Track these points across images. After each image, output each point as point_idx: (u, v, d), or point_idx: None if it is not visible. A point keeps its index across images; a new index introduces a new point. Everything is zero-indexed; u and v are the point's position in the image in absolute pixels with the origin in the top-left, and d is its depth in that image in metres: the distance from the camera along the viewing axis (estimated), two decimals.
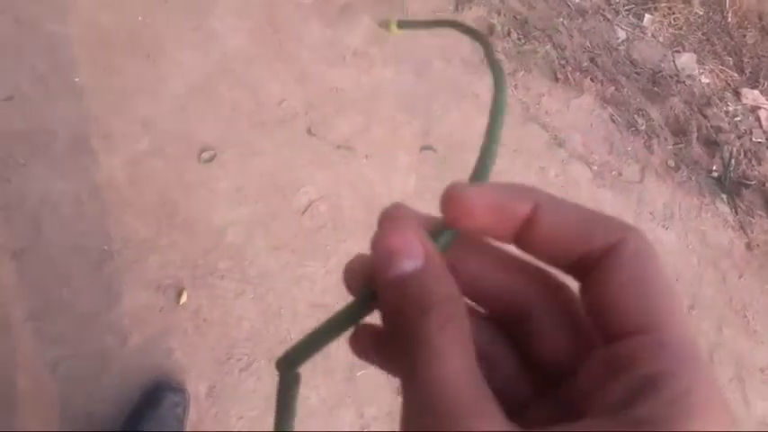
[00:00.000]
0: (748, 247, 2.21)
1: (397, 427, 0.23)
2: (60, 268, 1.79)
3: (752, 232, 2.22)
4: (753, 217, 2.25)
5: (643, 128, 2.39)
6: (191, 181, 1.97)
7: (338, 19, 2.31)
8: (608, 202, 2.18)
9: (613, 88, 2.49)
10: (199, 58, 2.12)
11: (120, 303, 1.77)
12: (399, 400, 0.23)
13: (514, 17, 2.58)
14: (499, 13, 2.54)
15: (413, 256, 0.25)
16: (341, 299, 1.87)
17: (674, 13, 2.97)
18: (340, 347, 0.36)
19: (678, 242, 2.16)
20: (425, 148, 2.20)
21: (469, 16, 2.47)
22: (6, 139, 1.89)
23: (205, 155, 2.01)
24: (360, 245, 2.01)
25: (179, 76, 2.07)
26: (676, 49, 2.85)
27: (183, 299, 1.82)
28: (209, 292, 1.85)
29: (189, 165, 1.98)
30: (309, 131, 2.14)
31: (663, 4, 2.98)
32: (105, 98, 2.00)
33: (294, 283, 1.93)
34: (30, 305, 1.74)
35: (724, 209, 2.26)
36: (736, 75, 2.84)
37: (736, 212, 2.25)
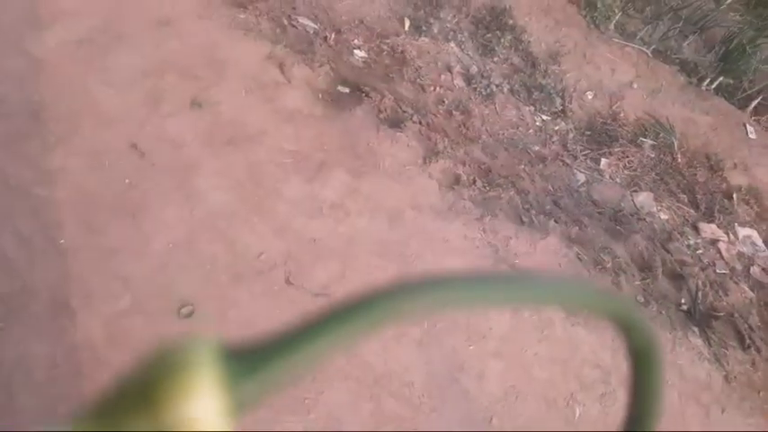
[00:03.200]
0: (726, 379, 2.22)
1: None
2: None
3: (728, 364, 2.24)
4: (726, 348, 2.28)
5: (609, 265, 2.49)
6: (169, 337, 1.97)
7: (316, 174, 2.47)
8: (583, 341, 2.21)
9: (577, 228, 2.62)
10: (182, 215, 2.22)
11: None
12: None
13: (479, 167, 2.77)
14: (464, 164, 2.73)
15: None
16: None
17: (627, 157, 3.21)
18: None
19: None
20: None
21: (437, 168, 2.65)
22: None
23: (184, 310, 2.04)
24: (339, 395, 1.99)
25: (162, 234, 2.15)
26: (633, 188, 3.04)
27: None
28: None
29: (168, 320, 2.00)
30: (288, 281, 2.20)
31: (617, 149, 3.23)
32: (88, 258, 2.05)
33: None
34: None
35: (697, 341, 2.30)
36: (692, 210, 3.01)
37: (710, 345, 2.29)
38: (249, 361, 0.21)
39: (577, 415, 2.05)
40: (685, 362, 2.24)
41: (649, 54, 3.91)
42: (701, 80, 3.82)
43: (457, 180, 2.64)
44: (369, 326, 0.23)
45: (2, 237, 2.03)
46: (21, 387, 1.81)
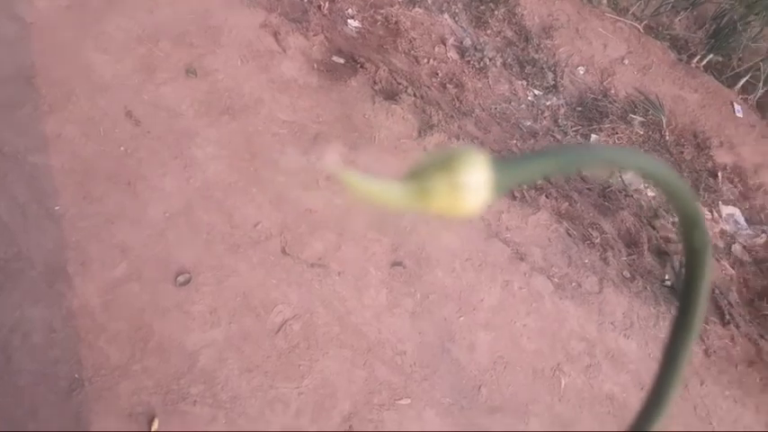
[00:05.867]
0: (706, 353, 2.31)
1: None
2: (28, 399, 1.76)
3: (708, 339, 2.33)
4: (707, 324, 2.36)
5: (598, 240, 2.54)
6: (166, 305, 2.00)
7: (312, 146, 2.47)
8: (571, 314, 2.28)
9: (567, 204, 2.67)
10: (178, 184, 2.23)
11: None
12: None
13: (472, 141, 2.79)
14: (458, 138, 2.75)
15: None
16: (315, 422, 1.88)
17: (617, 133, 3.25)
18: None
19: (639, 351, 2.25)
20: (395, 264, 2.30)
21: (431, 142, 2.67)
22: None
23: (181, 278, 2.06)
24: (334, 363, 2.04)
25: (158, 203, 2.16)
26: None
27: (155, 426, 1.79)
28: (180, 419, 1.83)
29: (165, 288, 2.03)
30: (284, 251, 2.23)
31: (607, 125, 3.27)
32: (85, 225, 2.06)
33: (267, 405, 1.92)
34: None
35: (705, 304, 2.36)
36: None
37: None
38: (504, 163, 0.33)
39: (563, 385, 2.13)
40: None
41: (641, 30, 3.92)
42: (690, 57, 3.85)
43: None
44: (574, 162, 0.37)
45: None
46: (18, 350, 1.84)
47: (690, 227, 0.42)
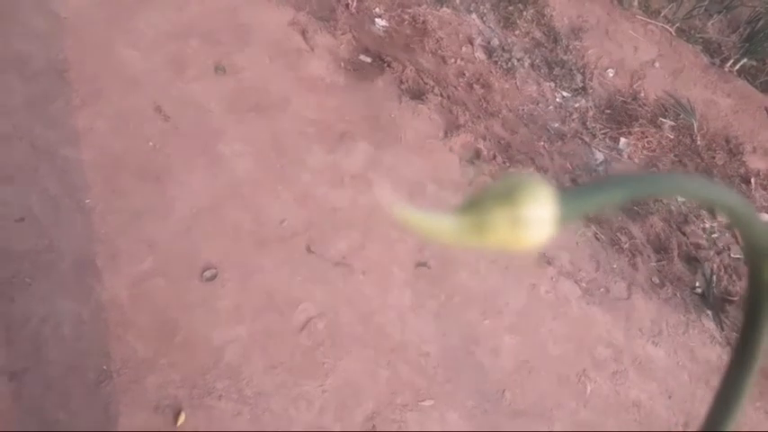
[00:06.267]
0: None
1: None
2: (58, 389, 1.78)
3: None
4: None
5: (626, 246, 2.50)
6: (192, 300, 2.01)
7: (338, 145, 2.47)
8: (598, 320, 2.25)
9: None
10: (206, 180, 2.24)
11: (117, 425, 1.75)
12: None
13: (499, 142, 2.77)
14: (485, 139, 2.73)
15: None
16: (338, 420, 1.88)
17: (647, 137, 3.20)
18: None
19: (668, 358, 2.21)
20: (420, 264, 2.29)
21: (457, 142, 2.65)
22: (14, 259, 1.95)
23: (207, 273, 2.07)
24: (357, 362, 2.04)
25: (186, 198, 2.18)
26: (651, 170, 3.04)
27: (181, 420, 1.80)
28: (206, 413, 1.84)
29: (191, 284, 2.04)
30: (309, 249, 2.23)
31: (636, 129, 3.21)
32: (114, 219, 2.08)
33: (291, 403, 1.92)
34: (25, 427, 1.71)
35: (710, 325, 2.33)
36: None
37: (722, 328, 2.32)
38: (569, 194, 0.31)
39: (588, 391, 2.10)
40: (697, 344, 2.27)
41: (673, 32, 3.85)
42: (723, 61, 3.78)
43: (477, 155, 2.64)
44: (644, 192, 0.38)
45: (29, 196, 2.06)
46: (48, 341, 1.86)
47: (759, 259, 0.40)
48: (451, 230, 0.30)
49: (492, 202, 0.29)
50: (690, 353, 2.23)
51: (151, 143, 2.29)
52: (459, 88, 3.02)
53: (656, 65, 3.66)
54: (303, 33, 2.85)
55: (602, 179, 0.33)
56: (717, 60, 3.78)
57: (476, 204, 0.30)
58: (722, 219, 2.87)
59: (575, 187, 0.28)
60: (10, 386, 1.73)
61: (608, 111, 3.30)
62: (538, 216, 0.29)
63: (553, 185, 0.30)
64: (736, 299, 2.41)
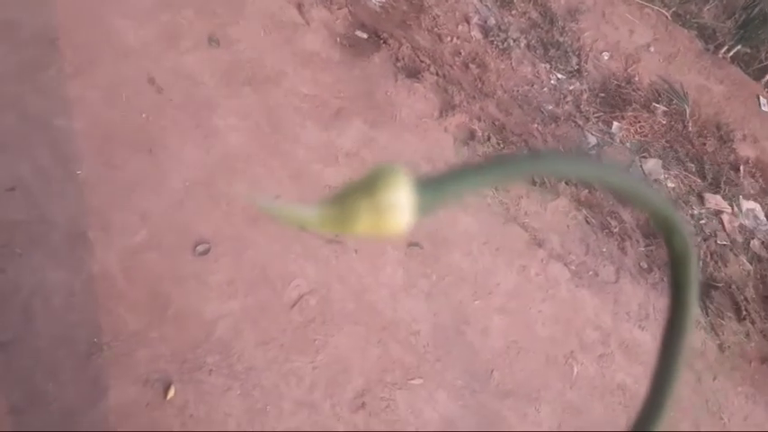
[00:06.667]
0: (720, 348, 2.31)
1: None
2: (47, 361, 1.78)
3: (722, 334, 2.33)
4: (723, 319, 2.36)
5: (616, 230, 2.53)
6: (184, 274, 2.01)
7: (332, 121, 2.45)
8: (586, 302, 2.28)
9: (587, 191, 2.65)
10: (199, 154, 2.22)
11: (107, 398, 1.75)
12: None
13: (493, 123, 2.77)
14: (480, 120, 2.72)
15: None
16: (328, 397, 1.89)
17: (639, 122, 3.21)
18: None
19: (654, 343, 2.25)
20: (412, 244, 2.29)
21: (452, 122, 2.64)
22: (5, 230, 1.93)
23: (200, 248, 2.07)
24: (348, 339, 2.05)
25: (179, 171, 2.16)
26: (643, 154, 3.06)
27: (171, 394, 1.81)
28: (196, 388, 1.84)
29: (183, 257, 2.03)
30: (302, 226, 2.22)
31: (629, 113, 3.22)
32: (106, 191, 2.06)
33: (281, 378, 1.94)
34: (13, 398, 1.71)
35: (695, 310, 2.36)
36: (698, 180, 3.04)
37: (707, 314, 2.36)
38: (429, 181, 0.32)
39: (575, 372, 2.14)
40: None
41: (668, 16, 3.85)
42: (718, 47, 3.78)
43: (472, 136, 2.64)
44: (508, 175, 0.36)
45: (20, 166, 2.03)
46: (39, 312, 1.85)
47: (669, 232, 0.40)
48: (319, 222, 0.31)
49: (354, 194, 0.30)
50: None
51: (144, 115, 2.25)
52: (455, 67, 3.01)
53: (651, 49, 3.66)
54: (299, 7, 2.81)
55: (461, 165, 0.34)
56: (711, 46, 3.78)
57: (341, 195, 0.31)
58: (711, 206, 2.91)
59: (435, 174, 0.32)
60: None
61: (602, 94, 3.30)
62: (395, 203, 0.30)
63: (415, 173, 0.31)
64: (720, 285, 2.45)
